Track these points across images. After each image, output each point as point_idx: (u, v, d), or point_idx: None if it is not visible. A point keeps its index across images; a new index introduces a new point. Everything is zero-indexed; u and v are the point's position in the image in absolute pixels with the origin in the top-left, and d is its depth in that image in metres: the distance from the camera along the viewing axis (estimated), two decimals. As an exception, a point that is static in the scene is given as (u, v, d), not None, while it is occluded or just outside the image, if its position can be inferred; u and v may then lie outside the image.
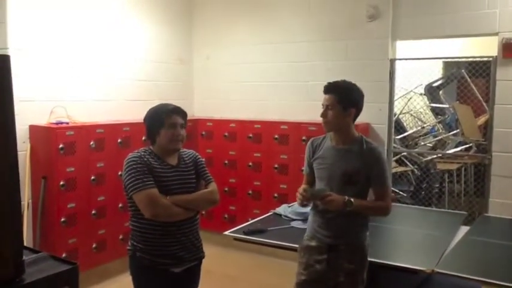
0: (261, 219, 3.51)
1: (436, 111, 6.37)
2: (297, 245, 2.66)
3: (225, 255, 4.72)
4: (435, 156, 5.85)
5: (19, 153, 1.61)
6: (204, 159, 2.67)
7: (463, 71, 5.79)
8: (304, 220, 2.77)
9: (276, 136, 4.85)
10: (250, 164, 5.02)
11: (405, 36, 4.60)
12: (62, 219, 3.84)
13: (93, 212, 4.08)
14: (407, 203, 4.99)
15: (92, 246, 4.09)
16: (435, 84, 6.19)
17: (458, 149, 5.87)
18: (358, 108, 2.52)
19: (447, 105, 6.17)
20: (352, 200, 2.40)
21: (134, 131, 4.30)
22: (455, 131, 6.01)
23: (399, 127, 5.89)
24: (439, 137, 6.18)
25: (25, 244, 1.78)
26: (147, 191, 2.30)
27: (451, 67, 6.45)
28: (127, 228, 2.63)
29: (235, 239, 3.11)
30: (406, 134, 6.07)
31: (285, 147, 4.80)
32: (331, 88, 2.50)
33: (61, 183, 3.81)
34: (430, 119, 6.54)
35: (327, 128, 2.54)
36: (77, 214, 3.94)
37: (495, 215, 3.88)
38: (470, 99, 5.86)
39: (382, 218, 2.99)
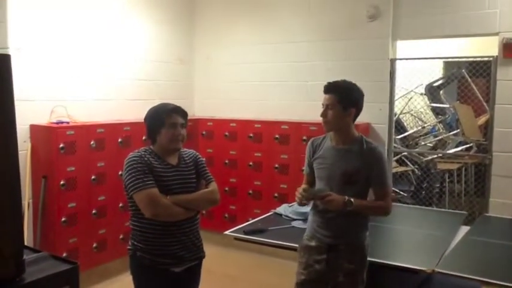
0: (261, 219, 3.51)
1: (436, 111, 6.37)
2: (297, 245, 2.66)
3: (226, 254, 4.72)
4: (436, 156, 5.85)
5: (20, 152, 1.61)
6: (204, 159, 2.67)
7: (463, 70, 5.78)
8: (305, 220, 2.77)
9: (277, 136, 4.85)
10: (251, 163, 5.02)
11: (406, 36, 4.60)
12: (63, 219, 3.84)
13: (93, 211, 4.08)
14: (407, 203, 4.99)
15: (93, 245, 4.09)
16: (436, 84, 6.19)
17: (459, 148, 5.87)
18: (358, 108, 2.52)
19: (448, 105, 6.17)
20: (352, 200, 2.40)
21: (135, 130, 4.30)
22: (455, 131, 6.00)
23: (400, 127, 5.89)
24: (440, 137, 6.18)
25: (25, 243, 1.78)
26: (148, 191, 2.30)
27: (452, 67, 6.44)
28: (127, 228, 2.63)
29: (236, 238, 3.11)
30: (406, 133, 6.07)
31: (285, 147, 4.80)
32: (331, 88, 2.50)
33: (61, 182, 3.81)
34: (430, 118, 6.54)
35: (326, 127, 2.54)
36: (77, 214, 3.94)
37: (495, 215, 3.88)
38: (470, 99, 5.86)
39: (383, 217, 2.99)
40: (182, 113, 2.50)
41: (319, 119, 2.54)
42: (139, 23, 4.92)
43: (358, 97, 2.52)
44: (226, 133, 5.18)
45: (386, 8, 4.54)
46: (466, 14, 4.23)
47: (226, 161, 5.18)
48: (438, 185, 5.70)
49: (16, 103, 1.53)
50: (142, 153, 2.42)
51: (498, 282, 2.31)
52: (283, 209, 3.59)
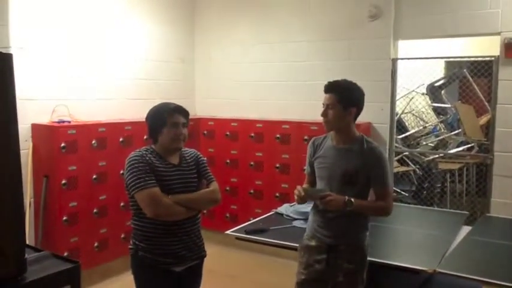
0: (262, 218, 3.51)
1: (438, 111, 6.36)
2: (298, 245, 2.66)
3: (227, 254, 4.72)
4: (437, 156, 5.84)
5: (21, 151, 1.61)
6: (205, 159, 2.67)
7: (465, 70, 5.78)
8: (306, 220, 2.77)
9: (278, 135, 4.85)
10: (252, 163, 5.02)
11: (407, 35, 4.59)
12: (64, 218, 3.84)
13: (94, 210, 4.08)
14: (409, 203, 4.99)
15: (94, 245, 4.10)
16: (437, 84, 6.18)
17: (460, 148, 5.86)
18: (359, 108, 2.52)
19: (449, 105, 6.16)
20: (352, 200, 2.40)
21: (136, 130, 4.30)
22: (457, 131, 6.00)
23: (401, 127, 5.89)
24: (441, 137, 6.17)
25: (27, 243, 1.79)
26: (149, 190, 2.31)
27: (453, 67, 6.44)
28: (129, 227, 2.64)
29: (237, 238, 3.11)
30: (407, 133, 6.07)
31: (286, 147, 4.80)
32: (332, 87, 2.50)
33: (63, 182, 3.81)
34: (432, 118, 6.53)
35: (327, 127, 2.54)
36: (78, 213, 3.95)
37: (497, 215, 3.88)
38: (472, 99, 5.85)
39: (384, 217, 2.99)
40: (184, 112, 2.50)
41: (320, 119, 2.54)
42: (140, 23, 4.92)
43: (359, 96, 2.52)
44: (228, 133, 5.18)
45: (388, 7, 4.53)
46: (468, 13, 4.22)
47: (228, 161, 5.18)
48: (439, 185, 5.70)
49: (18, 102, 1.53)
50: (144, 152, 2.43)
51: (499, 282, 2.30)
52: (284, 208, 3.59)
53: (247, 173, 5.06)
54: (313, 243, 2.56)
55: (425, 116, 6.55)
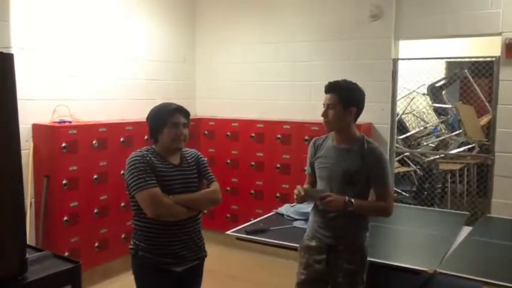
0: (263, 218, 3.51)
1: (438, 112, 6.36)
2: (298, 245, 2.66)
3: (227, 254, 4.72)
4: (438, 156, 5.84)
5: (22, 152, 1.61)
6: (206, 159, 2.67)
7: (465, 71, 5.77)
8: (307, 220, 2.77)
9: (279, 136, 4.85)
10: (253, 163, 5.02)
11: (408, 36, 4.60)
12: (65, 218, 3.84)
13: (95, 211, 4.08)
14: (409, 203, 4.99)
15: (94, 245, 4.10)
16: (438, 84, 6.18)
17: (461, 149, 5.86)
18: (359, 108, 2.52)
19: (450, 106, 6.16)
20: (352, 200, 2.39)
21: (137, 130, 4.31)
22: (457, 131, 5.99)
23: (402, 127, 5.89)
24: (442, 137, 6.17)
25: (28, 243, 1.79)
26: (150, 190, 2.31)
27: (454, 67, 6.43)
28: (129, 227, 2.64)
29: (238, 238, 3.11)
30: (408, 134, 6.06)
31: (287, 147, 4.80)
32: (332, 87, 2.50)
33: (64, 182, 3.82)
34: (432, 119, 6.53)
35: (327, 127, 2.54)
36: (79, 213, 3.95)
37: (498, 216, 3.88)
38: (473, 99, 5.85)
39: (385, 218, 2.98)
40: (184, 112, 2.50)
41: (321, 119, 2.54)
42: (141, 23, 4.92)
43: (359, 97, 2.52)
44: (228, 133, 5.18)
45: (389, 7, 4.53)
46: (469, 14, 4.22)
47: (228, 161, 5.18)
48: (440, 186, 5.69)
49: (19, 102, 1.53)
50: (145, 152, 2.43)
51: (500, 283, 2.30)
52: (285, 209, 3.59)
53: (247, 173, 5.06)
54: (313, 243, 2.56)
55: (426, 117, 6.54)
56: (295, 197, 2.47)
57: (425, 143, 6.19)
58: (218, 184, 2.57)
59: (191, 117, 2.60)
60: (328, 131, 2.57)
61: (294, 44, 5.06)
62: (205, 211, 4.57)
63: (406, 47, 4.82)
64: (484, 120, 5.78)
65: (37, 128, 3.90)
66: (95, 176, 4.05)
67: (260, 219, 3.50)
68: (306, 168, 2.74)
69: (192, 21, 5.63)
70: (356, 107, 2.49)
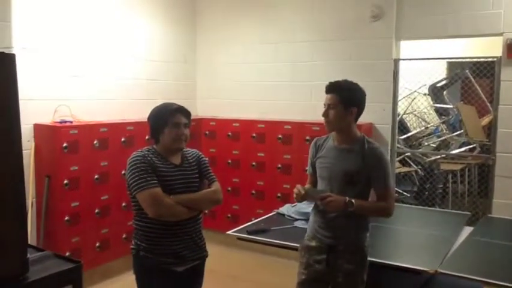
0: (264, 218, 3.51)
1: (439, 112, 6.36)
2: (299, 245, 2.66)
3: (228, 254, 4.72)
4: (439, 156, 5.84)
5: (23, 152, 1.61)
6: (207, 159, 2.67)
7: (467, 71, 5.77)
8: (307, 220, 2.77)
9: (280, 136, 4.85)
10: (254, 163, 5.02)
11: (409, 36, 4.59)
12: (66, 218, 3.85)
13: (96, 211, 4.09)
14: (410, 204, 4.99)
15: (96, 245, 4.10)
16: (439, 85, 6.17)
17: (462, 149, 5.86)
18: (360, 108, 2.52)
19: (451, 106, 6.15)
20: (353, 200, 2.39)
21: (138, 130, 4.31)
22: (459, 132, 5.99)
23: (403, 127, 5.89)
24: (443, 138, 6.17)
25: (29, 242, 1.79)
26: (151, 190, 2.31)
27: (455, 67, 6.43)
28: (130, 227, 2.64)
29: (239, 238, 3.11)
30: (409, 134, 6.06)
31: (288, 147, 4.80)
32: (333, 87, 2.50)
33: (65, 182, 3.82)
34: (433, 119, 6.53)
35: (328, 127, 2.54)
36: (80, 213, 3.95)
37: (499, 216, 3.87)
38: (474, 99, 5.85)
39: (386, 218, 2.98)
40: (185, 112, 2.50)
41: (322, 119, 2.54)
42: (142, 23, 4.93)
43: (360, 97, 2.52)
44: (229, 133, 5.18)
45: (390, 8, 4.53)
46: (470, 14, 4.22)
47: (229, 161, 5.18)
48: (441, 186, 5.69)
49: (20, 102, 1.53)
50: (146, 152, 2.43)
51: (501, 283, 2.30)
52: (286, 209, 3.59)
53: (248, 174, 5.06)
54: (313, 243, 2.56)
55: (427, 117, 6.54)
56: (294, 196, 2.47)
57: (426, 143, 6.19)
58: (219, 184, 2.57)
59: (192, 117, 2.60)
60: (329, 131, 2.57)
61: (295, 44, 5.06)
62: (206, 211, 4.57)
63: (407, 47, 4.82)
64: (485, 120, 5.78)
65: (38, 128, 3.90)
66: (96, 176, 4.06)
67: (261, 219, 3.50)
68: (307, 168, 2.74)
69: (192, 21, 5.63)
70: (357, 107, 2.49)
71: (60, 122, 3.95)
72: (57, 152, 3.79)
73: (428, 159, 5.82)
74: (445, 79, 6.35)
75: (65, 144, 3.79)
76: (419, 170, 5.87)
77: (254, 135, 5.02)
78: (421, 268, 2.50)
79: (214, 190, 2.52)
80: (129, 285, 2.68)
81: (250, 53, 5.34)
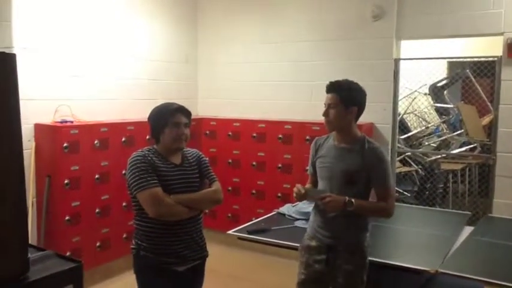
0: (264, 218, 3.51)
1: (440, 111, 6.35)
2: (299, 245, 2.66)
3: (229, 254, 4.73)
4: (439, 156, 5.84)
5: (24, 151, 1.62)
6: (207, 159, 2.67)
7: (467, 70, 5.77)
8: (308, 220, 2.77)
9: (280, 136, 4.85)
10: (254, 163, 5.02)
11: (410, 35, 4.59)
12: (66, 218, 3.85)
13: (97, 210, 4.09)
14: (411, 203, 4.98)
15: (96, 244, 4.11)
16: (440, 84, 6.17)
17: (463, 149, 5.86)
18: (361, 108, 2.52)
19: (451, 105, 6.15)
20: (353, 200, 2.39)
21: (138, 130, 4.31)
22: (459, 131, 5.99)
23: (403, 127, 5.88)
24: (443, 137, 6.16)
25: (30, 242, 1.79)
26: (151, 190, 2.31)
27: (456, 67, 6.43)
28: (131, 227, 2.64)
29: (239, 238, 3.11)
30: (410, 134, 6.06)
31: (288, 147, 4.80)
32: (333, 87, 2.50)
33: (65, 181, 3.82)
34: (434, 119, 6.53)
35: (328, 127, 2.54)
36: (81, 213, 3.95)
37: (499, 216, 3.88)
38: (474, 99, 5.85)
39: (386, 218, 2.98)
40: (186, 112, 2.50)
41: (323, 119, 2.54)
42: (142, 23, 4.93)
43: (360, 96, 2.52)
44: (230, 133, 5.18)
45: (391, 7, 4.53)
46: (471, 14, 4.22)
47: (230, 161, 5.18)
48: (442, 185, 5.69)
49: (21, 102, 1.53)
50: (146, 152, 2.43)
51: (502, 282, 2.30)
52: (286, 208, 3.58)
53: (249, 173, 5.06)
54: (313, 243, 2.56)
55: (428, 117, 6.54)
56: (294, 195, 2.47)
57: (426, 143, 6.19)
58: (219, 184, 2.57)
59: (192, 117, 2.60)
60: (329, 130, 2.57)
61: (296, 43, 5.06)
62: (207, 211, 4.57)
63: (408, 47, 4.81)
64: (486, 120, 5.78)
65: (39, 128, 3.91)
66: (96, 176, 4.06)
67: (261, 219, 3.50)
68: (307, 168, 2.74)
69: (193, 20, 5.63)
70: (357, 107, 2.49)
71: (61, 122, 3.96)
72: (57, 152, 3.80)
73: (429, 159, 5.82)
74: (445, 79, 6.35)
75: (65, 144, 3.80)
76: (419, 170, 5.87)
77: (254, 135, 5.02)
78: (422, 268, 2.50)
79: (214, 190, 2.52)
80: (130, 285, 2.68)
81: (250, 52, 5.34)
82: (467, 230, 3.23)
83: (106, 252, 4.19)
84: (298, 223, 3.29)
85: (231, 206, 5.11)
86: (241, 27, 5.40)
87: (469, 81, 5.80)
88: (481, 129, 5.79)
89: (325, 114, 2.49)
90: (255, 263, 4.67)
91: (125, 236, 4.27)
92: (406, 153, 5.80)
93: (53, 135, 3.84)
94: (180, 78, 5.48)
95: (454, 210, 4.49)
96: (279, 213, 3.57)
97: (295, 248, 2.75)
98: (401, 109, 5.57)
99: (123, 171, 3.36)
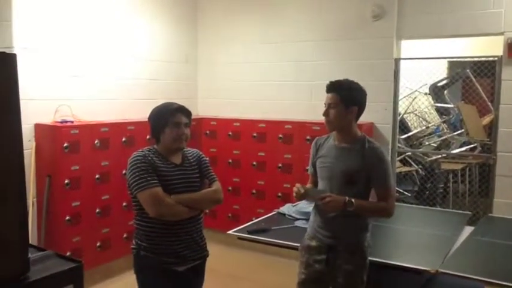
0: (264, 218, 3.51)
1: (440, 111, 6.35)
2: (299, 245, 2.66)
3: (229, 254, 4.73)
4: (440, 156, 5.84)
5: (24, 151, 1.61)
6: (207, 158, 2.67)
7: (468, 70, 5.77)
8: (308, 220, 2.77)
9: (280, 135, 4.85)
10: (254, 163, 5.02)
11: (410, 35, 4.59)
12: (67, 218, 3.85)
13: (97, 210, 4.09)
14: (411, 203, 4.98)
15: (96, 244, 4.11)
16: (440, 84, 6.18)
17: (463, 149, 5.85)
18: (361, 107, 2.51)
19: (452, 105, 6.15)
20: (353, 200, 2.38)
21: (138, 130, 4.31)
22: (459, 131, 5.99)
23: (404, 127, 5.88)
24: (444, 137, 6.16)
25: (30, 242, 1.79)
26: (151, 190, 2.31)
27: (456, 67, 6.43)
28: (131, 227, 2.64)
29: (239, 238, 3.11)
30: (410, 133, 6.06)
31: (289, 147, 4.80)
32: (334, 87, 2.49)
33: (66, 181, 3.82)
34: (434, 118, 6.53)
35: (329, 127, 2.53)
36: (81, 213, 3.96)
37: (499, 215, 3.87)
38: (475, 99, 5.84)
39: (386, 218, 2.98)
40: (186, 112, 2.50)
41: (323, 119, 2.53)
42: (143, 23, 4.93)
43: (361, 96, 2.52)
44: (230, 133, 5.18)
45: (391, 7, 4.53)
46: (471, 13, 4.22)
47: (230, 161, 5.18)
48: (442, 185, 5.69)
49: (21, 102, 1.53)
50: (146, 152, 2.43)
51: (502, 282, 2.30)
52: (286, 208, 3.58)
53: (249, 173, 5.06)
54: (313, 243, 2.56)
55: (428, 116, 6.54)
56: (294, 194, 2.46)
57: (427, 143, 6.19)
58: (220, 184, 2.57)
59: (193, 117, 2.60)
60: (329, 130, 2.57)
61: (296, 43, 5.06)
62: (207, 211, 4.57)
63: (408, 47, 4.81)
64: (486, 120, 5.78)
65: (39, 128, 3.91)
66: (96, 176, 4.06)
67: (262, 218, 3.50)
68: (308, 168, 2.74)
69: (193, 20, 5.63)
70: (357, 107, 2.49)
71: (61, 122, 3.96)
72: (58, 152, 3.80)
73: (429, 159, 5.82)
74: (445, 78, 6.35)
75: (65, 144, 3.80)
76: (420, 170, 5.87)
77: (255, 134, 5.02)
78: (422, 268, 2.50)
79: (214, 190, 2.52)
80: (130, 285, 2.68)
81: (250, 52, 5.34)
82: (468, 229, 3.23)
83: (106, 252, 4.19)
84: (298, 223, 3.29)
85: (231, 206, 5.11)
86: (241, 27, 5.40)
87: (470, 81, 5.80)
88: (481, 129, 5.79)
89: (326, 114, 2.49)
90: (255, 262, 4.67)
91: (125, 236, 4.27)
92: (407, 153, 5.80)
93: (53, 135, 3.84)
94: (180, 78, 5.48)
95: (454, 210, 4.49)
96: (279, 213, 3.57)
97: (295, 248, 2.75)
98: (401, 109, 5.57)
99: (124, 171, 3.37)
